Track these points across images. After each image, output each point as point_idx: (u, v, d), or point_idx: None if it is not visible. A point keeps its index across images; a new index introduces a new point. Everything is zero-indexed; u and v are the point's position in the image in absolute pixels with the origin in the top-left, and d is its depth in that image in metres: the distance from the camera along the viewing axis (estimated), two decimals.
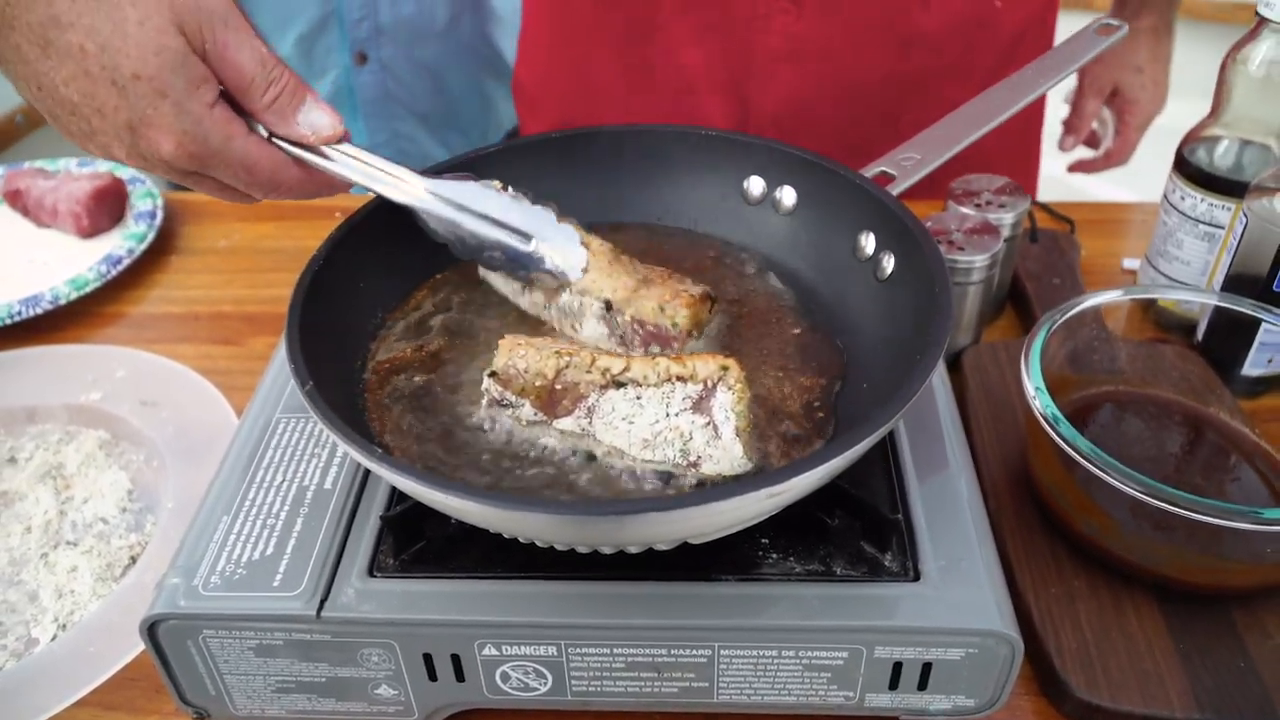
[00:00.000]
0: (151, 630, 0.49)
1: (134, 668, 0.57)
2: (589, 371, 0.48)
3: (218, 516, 0.53)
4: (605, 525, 0.41)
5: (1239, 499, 0.61)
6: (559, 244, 0.55)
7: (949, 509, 0.52)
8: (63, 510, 0.67)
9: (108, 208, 0.91)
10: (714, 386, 0.47)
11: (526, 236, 0.55)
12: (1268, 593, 0.56)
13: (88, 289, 0.83)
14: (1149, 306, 0.72)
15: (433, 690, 0.51)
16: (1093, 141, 1.18)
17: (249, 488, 0.54)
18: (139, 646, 0.58)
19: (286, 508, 0.53)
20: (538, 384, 0.49)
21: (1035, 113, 1.08)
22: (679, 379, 0.47)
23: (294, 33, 1.16)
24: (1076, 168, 1.19)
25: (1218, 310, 0.67)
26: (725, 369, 0.47)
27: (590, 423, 0.49)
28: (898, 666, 0.48)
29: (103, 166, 0.96)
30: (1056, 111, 1.14)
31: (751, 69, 0.89)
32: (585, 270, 0.55)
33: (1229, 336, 0.68)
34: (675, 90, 0.93)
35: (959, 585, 0.48)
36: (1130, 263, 0.84)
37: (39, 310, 0.81)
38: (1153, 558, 0.55)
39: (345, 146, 0.51)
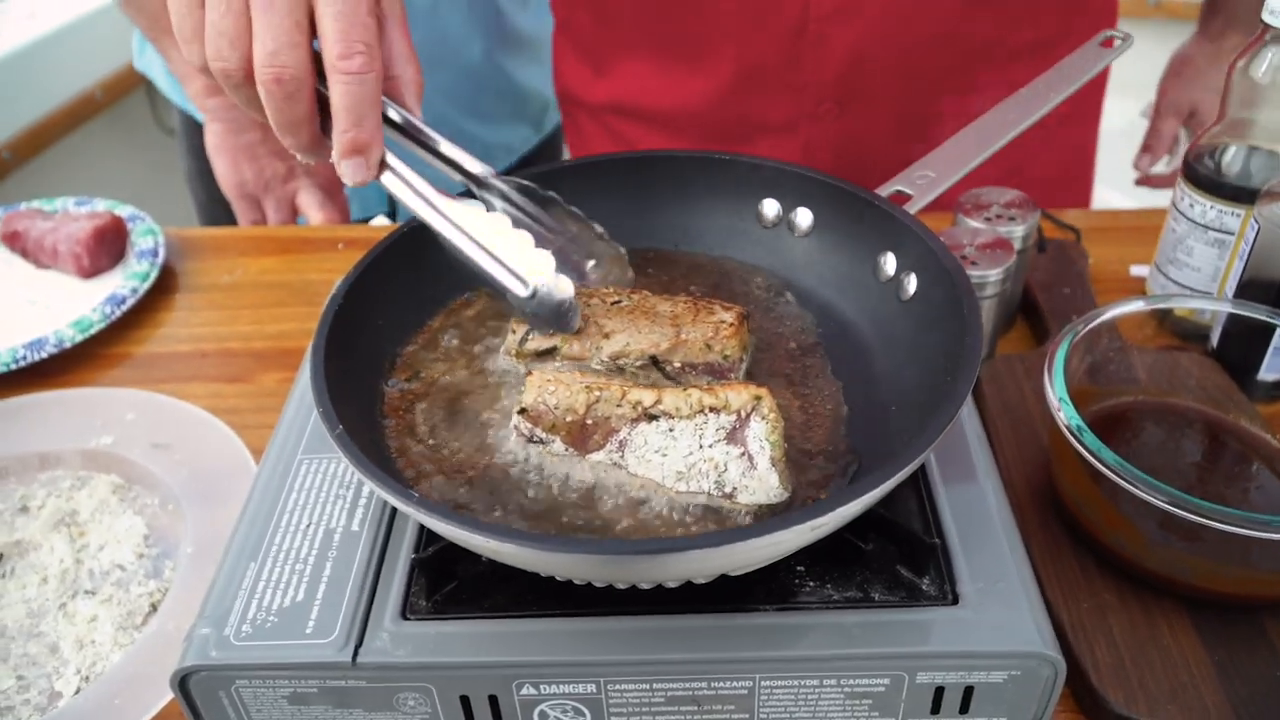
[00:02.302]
0: (183, 683, 0.48)
1: (162, 716, 0.56)
2: (620, 405, 0.48)
3: (244, 563, 0.52)
4: (647, 564, 0.41)
5: (1263, 506, 0.61)
6: (552, 294, 0.53)
7: (982, 527, 0.52)
8: (79, 559, 0.66)
9: (108, 247, 0.90)
10: (748, 417, 0.47)
11: (524, 282, 0.53)
12: None
13: (92, 330, 0.82)
14: (1164, 315, 0.72)
15: None
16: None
17: (274, 533, 0.53)
18: (165, 697, 0.57)
19: (315, 551, 0.52)
20: (568, 420, 0.49)
21: (1086, 137, 1.07)
22: (712, 410, 0.47)
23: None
24: (1145, 182, 1.18)
25: (1232, 317, 0.68)
26: (759, 399, 0.47)
27: (623, 456, 0.49)
28: (939, 691, 0.48)
29: (101, 206, 0.95)
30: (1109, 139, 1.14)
31: (804, 35, 0.88)
32: (580, 327, 0.55)
33: (1244, 343, 0.68)
34: (724, 64, 0.92)
35: (998, 607, 0.48)
36: (1138, 270, 0.85)
37: (44, 354, 0.80)
38: (1182, 569, 0.55)
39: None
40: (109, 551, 0.66)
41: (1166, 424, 0.67)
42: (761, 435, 0.46)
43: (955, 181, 0.61)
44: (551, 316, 0.53)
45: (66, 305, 0.86)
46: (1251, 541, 0.53)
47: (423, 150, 0.55)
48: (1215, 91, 1.10)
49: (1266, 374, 0.68)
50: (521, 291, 0.52)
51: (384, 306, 0.58)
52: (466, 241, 0.52)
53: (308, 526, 0.54)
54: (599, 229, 0.59)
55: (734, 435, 0.47)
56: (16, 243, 0.93)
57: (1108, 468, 0.54)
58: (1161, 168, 1.17)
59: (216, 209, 1.32)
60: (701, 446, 0.47)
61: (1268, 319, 0.65)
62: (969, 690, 0.48)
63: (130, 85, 2.03)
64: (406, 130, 0.54)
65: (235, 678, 0.48)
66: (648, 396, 0.48)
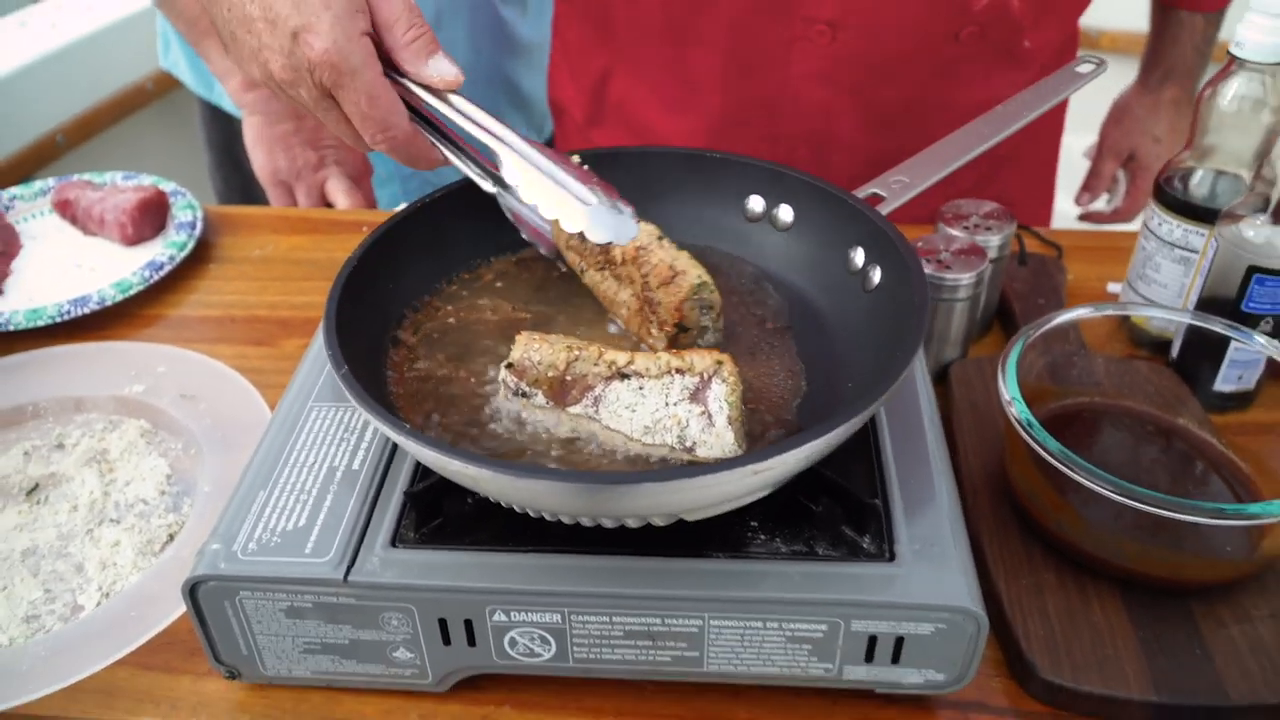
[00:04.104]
0: (193, 591, 0.54)
1: (170, 632, 0.62)
2: (596, 364, 0.53)
3: (255, 492, 0.58)
4: (607, 495, 0.46)
5: (1201, 500, 0.65)
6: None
7: (926, 499, 0.56)
8: (106, 491, 0.72)
9: (151, 218, 0.97)
10: (710, 379, 0.52)
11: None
12: (1224, 587, 0.60)
13: (131, 292, 0.88)
14: (1125, 325, 0.76)
15: (446, 654, 0.55)
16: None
17: (284, 467, 0.59)
18: (175, 613, 0.62)
19: (318, 485, 0.58)
20: (550, 375, 0.54)
21: (1049, 158, 1.14)
22: (678, 371, 0.52)
23: None
24: (1087, 218, 1.26)
25: (1191, 329, 0.72)
26: (720, 363, 0.52)
27: (597, 410, 0.54)
28: (873, 640, 0.53)
29: (147, 180, 1.02)
30: (1069, 159, 1.20)
31: (785, 91, 0.94)
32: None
33: (1201, 354, 0.72)
34: (709, 108, 0.98)
35: (931, 566, 0.52)
36: (1114, 287, 0.89)
37: (86, 310, 0.86)
38: (1115, 552, 0.60)
39: (457, 99, 0.58)
40: (134, 487, 0.72)
41: (1119, 423, 0.71)
42: (721, 396, 0.52)
43: (927, 186, 0.66)
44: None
45: (109, 269, 0.93)
46: (1181, 527, 0.57)
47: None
48: (1152, 137, 1.17)
49: (1221, 385, 0.72)
50: (590, 201, 0.56)
51: (396, 270, 0.64)
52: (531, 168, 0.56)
53: (314, 464, 0.59)
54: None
55: (696, 395, 0.52)
56: (67, 210, 1.00)
57: (1051, 455, 0.58)
58: (1100, 205, 1.24)
59: (234, 199, 1.39)
60: (667, 404, 0.52)
61: (1223, 331, 0.69)
62: (900, 640, 0.52)
63: (178, 80, 2.12)
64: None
65: (239, 589, 0.54)
66: (621, 357, 0.53)
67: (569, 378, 0.54)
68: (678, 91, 0.98)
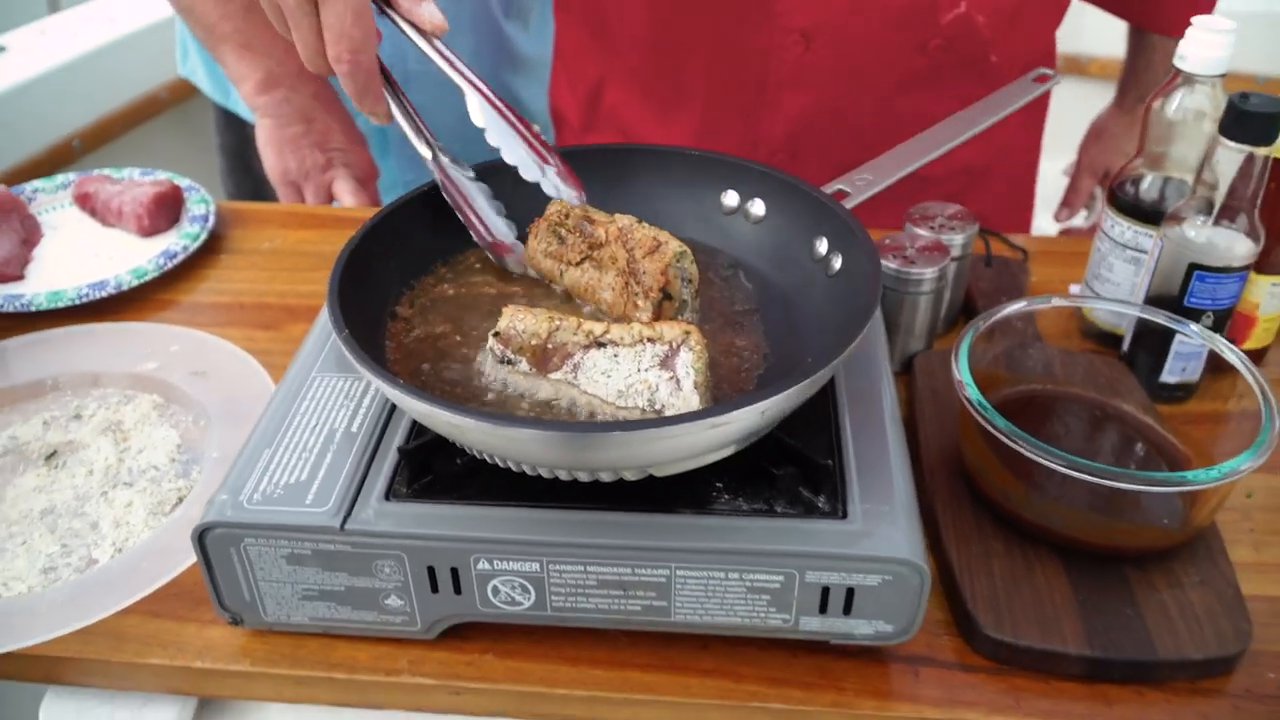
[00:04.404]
0: (201, 537, 0.59)
1: (177, 583, 0.66)
2: (575, 334, 0.58)
3: (261, 450, 0.62)
4: (580, 442, 0.51)
5: None
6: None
7: (879, 465, 0.61)
8: (120, 458, 0.76)
9: (166, 211, 1.02)
10: (678, 347, 0.57)
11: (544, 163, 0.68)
12: (1158, 553, 0.65)
13: (146, 278, 0.94)
14: (1080, 321, 0.81)
15: (434, 602, 0.60)
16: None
17: (288, 429, 0.64)
18: (182, 566, 0.67)
19: (319, 445, 0.63)
20: (533, 343, 0.59)
21: (1027, 175, 1.19)
22: (649, 340, 0.57)
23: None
24: (1066, 234, 1.32)
25: (1139, 324, 0.77)
26: (688, 333, 0.57)
27: (575, 376, 0.59)
28: (825, 591, 0.57)
29: (162, 175, 1.08)
30: (1047, 177, 1.26)
31: (763, 96, 1.00)
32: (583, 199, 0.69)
33: (1149, 347, 0.77)
34: (693, 115, 1.03)
35: (879, 523, 0.57)
36: (1075, 288, 0.94)
37: (104, 294, 0.91)
38: (1055, 520, 0.64)
39: (439, 42, 0.65)
40: (147, 454, 0.76)
41: (1067, 408, 0.76)
42: (688, 363, 0.56)
43: (889, 184, 0.71)
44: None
45: (126, 258, 0.98)
46: (1118, 498, 0.62)
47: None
48: (1127, 156, 1.23)
49: (1167, 376, 0.77)
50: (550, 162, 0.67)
51: (396, 249, 0.69)
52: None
53: (315, 426, 0.64)
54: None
55: (666, 362, 0.57)
56: (87, 203, 1.05)
57: (997, 429, 0.63)
58: (1079, 221, 1.30)
59: (244, 201, 1.45)
60: (639, 370, 0.57)
61: (1166, 324, 0.74)
62: (850, 592, 0.57)
63: (193, 89, 2.18)
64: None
65: (244, 536, 0.58)
66: (598, 327, 0.58)
67: (550, 346, 0.59)
68: (665, 99, 1.03)
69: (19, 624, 0.64)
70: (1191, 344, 0.74)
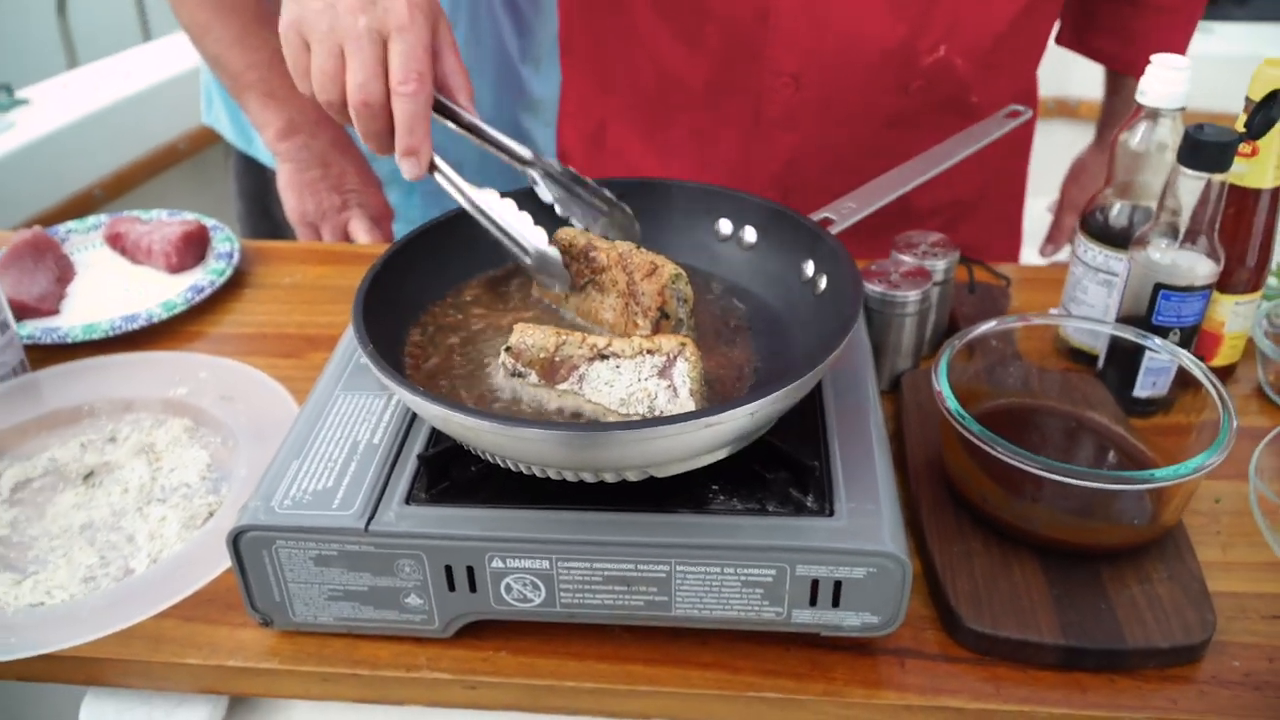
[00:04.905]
0: (236, 540, 0.63)
1: (210, 590, 0.71)
2: (580, 347, 0.63)
3: (289, 461, 0.67)
4: (584, 441, 0.56)
5: None
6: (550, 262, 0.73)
7: (864, 469, 0.65)
8: (154, 477, 0.81)
9: (193, 248, 1.08)
10: (675, 358, 0.62)
11: (526, 251, 0.72)
12: (1129, 551, 0.69)
13: (176, 311, 0.99)
14: (1057, 342, 0.86)
15: (451, 600, 0.64)
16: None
17: (314, 442, 0.69)
18: (214, 574, 0.72)
19: (343, 455, 0.67)
20: (541, 356, 0.64)
21: (1014, 212, 1.25)
22: (649, 352, 0.62)
23: None
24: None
25: (1112, 342, 0.82)
26: (683, 344, 0.62)
27: (580, 387, 0.64)
28: (815, 584, 0.61)
29: (189, 215, 1.14)
30: (1032, 213, 1.32)
31: (756, 134, 1.06)
32: (571, 288, 0.74)
33: (1121, 364, 0.82)
34: (689, 153, 1.09)
35: (864, 520, 0.62)
36: (1054, 311, 0.99)
37: (136, 326, 0.97)
38: (1031, 520, 0.69)
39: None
40: (178, 473, 0.81)
41: (1044, 419, 0.81)
42: (684, 373, 0.61)
43: (872, 210, 0.77)
44: (547, 271, 0.73)
45: (155, 293, 1.04)
46: (1091, 499, 0.67)
47: (481, 140, 0.73)
48: None
49: (1140, 391, 0.81)
50: (526, 251, 0.71)
51: (413, 275, 0.74)
52: (486, 220, 0.71)
53: (340, 439, 0.69)
54: (611, 195, 0.78)
55: (664, 372, 0.62)
56: (117, 242, 1.11)
57: (974, 435, 0.68)
58: (1063, 256, 1.36)
59: None
60: (640, 380, 0.62)
61: (1135, 339, 0.79)
62: (838, 585, 0.61)
63: (208, 140, 2.26)
64: (470, 128, 0.72)
65: (276, 538, 0.63)
66: (601, 341, 0.63)
67: (558, 359, 0.64)
68: (664, 139, 1.09)
69: (62, 628, 0.68)
70: (1160, 360, 0.78)
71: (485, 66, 1.39)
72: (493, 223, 0.72)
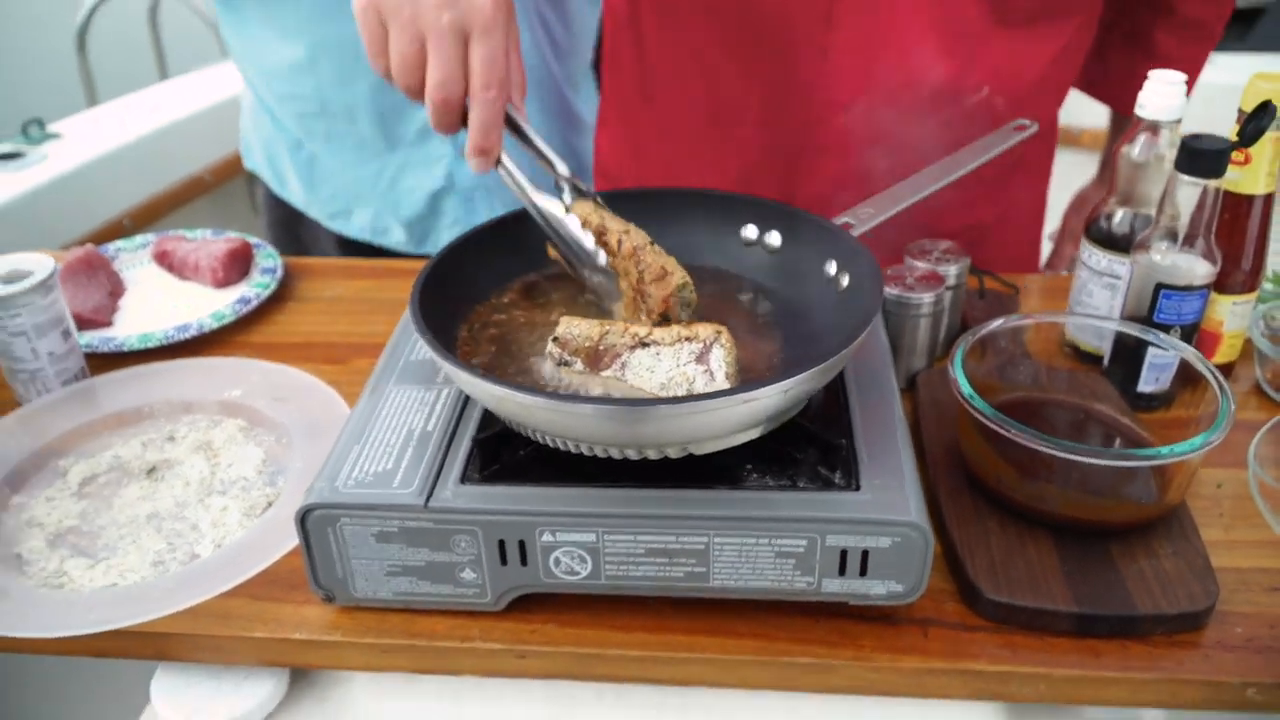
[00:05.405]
0: (304, 518, 0.68)
1: (272, 572, 0.75)
2: (623, 336, 0.68)
3: (350, 447, 0.72)
4: (630, 416, 0.61)
5: None
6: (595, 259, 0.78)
7: (887, 450, 0.70)
8: (213, 471, 0.86)
9: (238, 264, 1.14)
10: (711, 345, 0.67)
11: (586, 260, 0.78)
12: (1137, 530, 0.74)
13: (225, 321, 1.04)
14: (1065, 343, 0.91)
15: (503, 574, 0.69)
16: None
17: (372, 429, 0.74)
18: (275, 557, 0.76)
19: (400, 441, 0.72)
20: (586, 345, 0.69)
21: (1033, 234, 1.31)
22: (687, 340, 0.67)
23: (412, 127, 1.40)
24: None
25: (1117, 340, 0.87)
26: (719, 332, 0.67)
27: (623, 373, 0.69)
28: (844, 554, 0.66)
29: (232, 233, 1.19)
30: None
31: (801, 158, 1.11)
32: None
33: (1125, 361, 0.86)
34: (733, 168, 1.15)
35: (888, 494, 0.66)
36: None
37: (187, 335, 1.02)
38: (1046, 500, 0.73)
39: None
40: (236, 468, 0.86)
41: (1053, 409, 0.85)
42: (720, 358, 0.66)
43: (888, 216, 0.82)
44: (599, 275, 0.78)
45: (203, 306, 1.09)
46: (1095, 475, 0.71)
47: (525, 145, 0.78)
48: None
49: (1144, 386, 0.86)
50: (589, 245, 0.77)
51: (460, 277, 0.80)
52: (544, 223, 0.77)
53: (396, 427, 0.74)
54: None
55: (701, 357, 0.67)
56: (165, 259, 1.17)
57: (986, 418, 0.73)
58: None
59: None
60: (678, 365, 0.67)
61: (1138, 335, 0.84)
62: (865, 554, 0.66)
63: (233, 172, 2.33)
64: (517, 129, 0.77)
65: (340, 515, 0.68)
66: (642, 330, 0.68)
67: (601, 347, 0.69)
68: (708, 160, 1.14)
69: (135, 606, 0.73)
70: (1163, 356, 0.83)
71: (531, 89, 1.45)
72: (550, 226, 0.77)
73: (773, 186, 1.13)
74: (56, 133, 2.15)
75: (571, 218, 0.77)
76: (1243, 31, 2.45)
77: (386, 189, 1.44)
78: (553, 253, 0.81)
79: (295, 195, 1.53)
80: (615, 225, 0.77)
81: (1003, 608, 0.69)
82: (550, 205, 0.77)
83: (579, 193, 0.80)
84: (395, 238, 1.47)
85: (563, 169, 0.80)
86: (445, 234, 1.47)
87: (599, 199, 0.81)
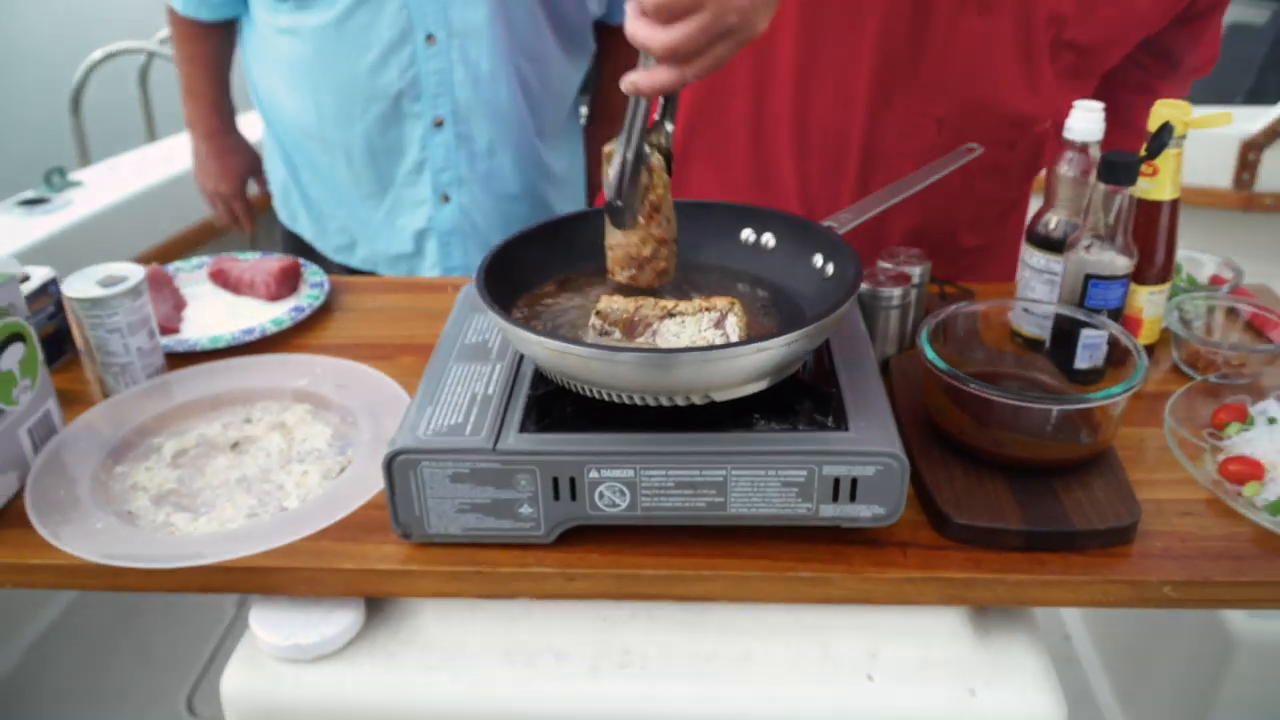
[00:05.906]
0: (390, 462, 0.82)
1: (352, 519, 0.89)
2: (654, 309, 0.84)
3: (425, 406, 0.86)
4: (663, 362, 0.76)
5: None
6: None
7: (869, 399, 0.85)
8: (290, 444, 1.00)
9: (288, 280, 1.28)
10: (726, 313, 0.82)
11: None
12: (1075, 467, 0.89)
13: (283, 326, 1.19)
14: (1011, 332, 1.08)
15: (556, 508, 0.83)
16: None
17: (440, 393, 0.88)
18: (352, 507, 0.89)
19: (465, 402, 0.87)
20: (623, 317, 0.85)
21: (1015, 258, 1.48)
22: (706, 310, 0.83)
23: (402, 169, 1.56)
24: None
25: (1056, 323, 1.03)
26: (733, 303, 0.83)
27: (654, 340, 0.84)
28: (837, 482, 0.81)
29: (278, 255, 1.34)
30: None
31: (894, 167, 1.23)
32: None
33: (1062, 342, 1.03)
34: (757, 184, 1.29)
35: (871, 433, 0.82)
36: None
37: (251, 338, 1.16)
38: (1000, 445, 0.89)
39: None
40: (310, 442, 1.00)
41: (1005, 380, 1.01)
42: (734, 323, 0.82)
43: (864, 220, 0.98)
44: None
45: (261, 314, 1.23)
46: (1040, 420, 0.87)
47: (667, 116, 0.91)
48: None
49: (1080, 363, 1.02)
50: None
51: (517, 266, 0.95)
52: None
53: (461, 392, 0.88)
54: None
55: (719, 324, 0.83)
56: (220, 277, 1.31)
57: (948, 376, 0.89)
58: None
59: None
60: (700, 330, 0.83)
61: (1072, 315, 1.01)
62: (854, 481, 0.81)
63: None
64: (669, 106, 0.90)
65: (421, 459, 0.82)
66: (670, 303, 0.84)
67: (636, 319, 0.84)
68: (752, 179, 1.29)
69: (238, 545, 0.86)
70: (1094, 335, 1.00)
71: (509, 143, 1.60)
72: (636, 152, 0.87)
73: (795, 204, 1.28)
74: (79, 180, 2.29)
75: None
76: None
77: (381, 225, 1.63)
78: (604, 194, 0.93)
79: (305, 229, 1.71)
80: (660, 189, 0.90)
81: (966, 529, 0.85)
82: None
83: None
84: (387, 274, 1.65)
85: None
86: (427, 274, 1.64)
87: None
